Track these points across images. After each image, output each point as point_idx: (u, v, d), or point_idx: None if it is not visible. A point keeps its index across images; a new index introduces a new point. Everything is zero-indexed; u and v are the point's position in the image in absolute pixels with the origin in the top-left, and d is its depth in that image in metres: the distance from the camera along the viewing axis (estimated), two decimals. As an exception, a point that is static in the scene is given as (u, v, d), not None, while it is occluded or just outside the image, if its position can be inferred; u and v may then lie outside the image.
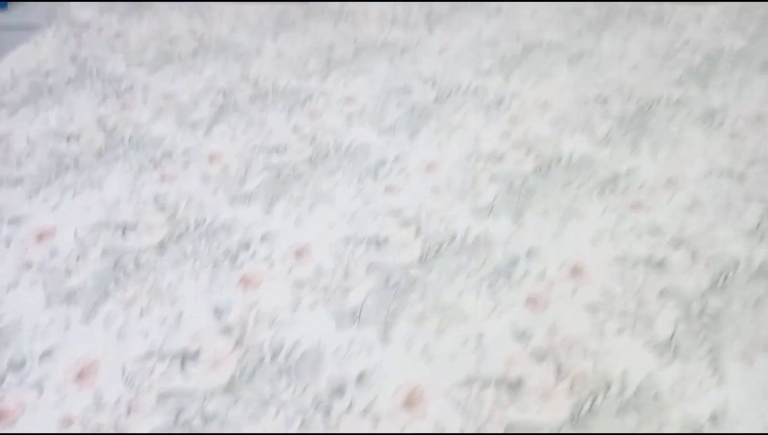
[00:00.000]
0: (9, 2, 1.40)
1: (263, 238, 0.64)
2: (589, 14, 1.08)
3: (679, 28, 1.02)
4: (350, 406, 0.48)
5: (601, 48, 0.98)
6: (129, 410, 0.47)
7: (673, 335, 0.53)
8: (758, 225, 0.66)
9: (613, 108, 0.84)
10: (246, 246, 0.63)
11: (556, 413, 0.47)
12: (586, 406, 0.48)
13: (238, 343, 0.52)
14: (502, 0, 1.04)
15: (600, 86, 0.89)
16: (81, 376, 0.50)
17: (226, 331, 0.53)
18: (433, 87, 0.91)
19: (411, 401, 0.48)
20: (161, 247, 0.63)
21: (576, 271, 0.59)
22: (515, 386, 0.49)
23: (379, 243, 0.64)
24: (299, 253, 0.62)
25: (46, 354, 0.52)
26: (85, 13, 1.13)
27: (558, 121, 0.81)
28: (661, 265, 0.61)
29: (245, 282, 0.59)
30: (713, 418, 0.47)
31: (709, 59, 0.93)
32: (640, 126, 0.80)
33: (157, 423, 0.47)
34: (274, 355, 0.51)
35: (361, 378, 0.50)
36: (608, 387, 0.49)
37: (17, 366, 0.51)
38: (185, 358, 0.51)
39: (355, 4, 1.17)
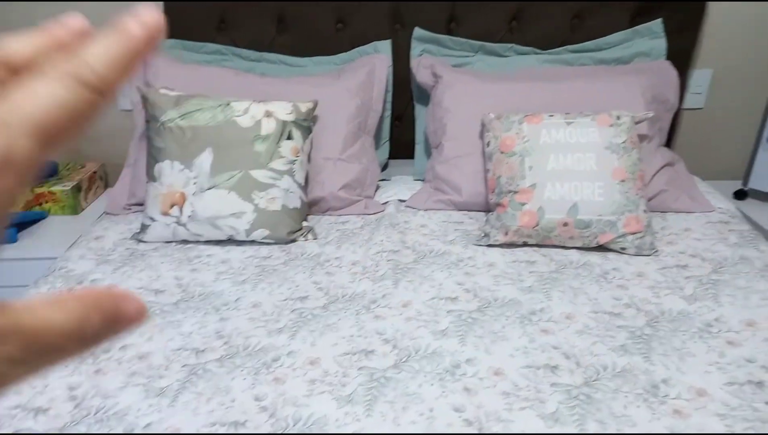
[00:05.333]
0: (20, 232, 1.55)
1: None
2: (541, 269, 1.18)
3: (622, 287, 1.11)
4: None
5: (551, 307, 1.05)
6: None
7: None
8: None
9: (561, 378, 0.88)
10: None
11: None
12: None
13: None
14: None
15: (549, 353, 0.94)
16: None
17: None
18: (393, 349, 0.96)
19: None
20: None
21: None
22: None
23: None
24: None
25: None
26: (82, 265, 1.23)
27: (509, 395, 0.85)
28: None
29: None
30: None
31: (651, 322, 0.99)
32: (587, 401, 0.83)
33: None
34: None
35: None
36: None
37: None
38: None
39: (330, 253, 1.28)
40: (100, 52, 0.17)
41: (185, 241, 1.34)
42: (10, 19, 1.68)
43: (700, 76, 1.68)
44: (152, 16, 0.18)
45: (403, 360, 0.93)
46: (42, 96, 0.17)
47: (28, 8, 1.66)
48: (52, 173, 1.71)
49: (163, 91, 1.37)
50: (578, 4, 1.56)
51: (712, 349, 0.93)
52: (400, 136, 1.72)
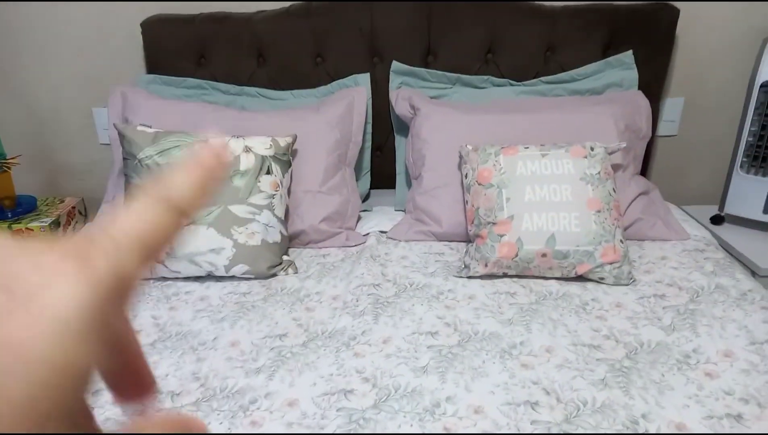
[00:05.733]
0: None
1: None
2: (521, 300, 1.18)
3: (601, 319, 1.11)
4: None
5: (530, 340, 1.05)
6: None
7: None
8: None
9: (542, 415, 0.88)
10: None
11: None
12: None
13: None
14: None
15: (529, 388, 0.93)
16: None
17: None
18: (372, 388, 0.95)
19: None
20: None
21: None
22: None
23: None
24: None
25: None
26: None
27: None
28: None
29: None
30: None
31: (630, 354, 0.99)
32: (568, 438, 0.82)
33: None
34: None
35: None
36: None
37: None
38: None
39: (310, 287, 1.27)
40: (185, 180, 0.20)
41: (164, 278, 1.32)
42: (10, 19, 1.67)
43: (672, 105, 1.72)
44: (221, 145, 0.21)
45: (383, 399, 0.92)
46: (144, 219, 0.19)
47: (29, 8, 1.65)
48: (30, 209, 1.69)
49: (140, 128, 1.37)
50: (551, 36, 1.59)
51: (691, 381, 0.94)
52: (382, 167, 1.73)
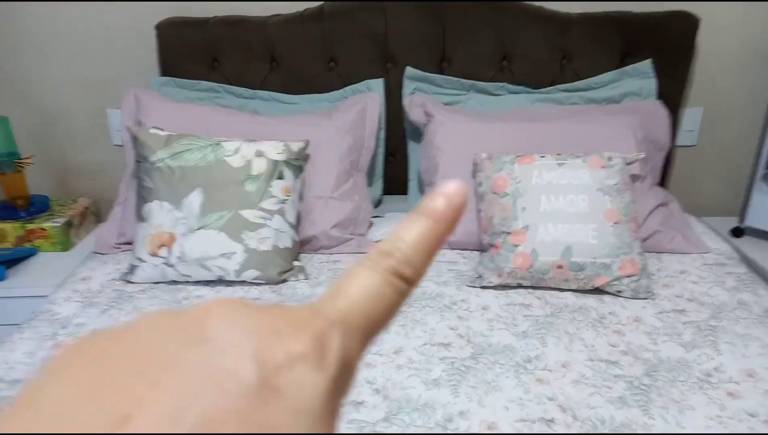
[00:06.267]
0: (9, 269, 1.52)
1: None
2: (536, 312, 1.16)
3: (618, 333, 1.08)
4: None
5: (546, 354, 1.03)
6: None
7: None
8: None
9: (558, 432, 0.85)
10: None
11: None
12: None
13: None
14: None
15: (544, 404, 0.91)
16: None
17: None
18: (383, 400, 0.93)
19: None
20: None
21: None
22: None
23: None
24: None
25: None
26: (67, 308, 1.20)
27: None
28: None
29: None
30: None
31: (649, 371, 0.97)
32: (585, 458, 0.80)
33: None
34: None
35: None
36: None
37: None
38: None
39: (321, 294, 1.25)
40: (414, 242, 0.18)
41: (174, 282, 1.31)
42: (28, 20, 1.68)
43: (691, 114, 1.69)
44: (458, 191, 0.19)
45: (394, 412, 0.90)
46: (371, 294, 0.17)
47: (45, 10, 1.66)
48: (43, 209, 1.69)
49: (153, 130, 1.36)
50: (566, 44, 1.57)
51: (712, 401, 0.91)
52: (394, 172, 1.71)
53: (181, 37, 1.62)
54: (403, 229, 0.18)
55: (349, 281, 0.18)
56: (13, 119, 1.63)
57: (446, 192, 0.19)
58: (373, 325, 0.17)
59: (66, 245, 1.63)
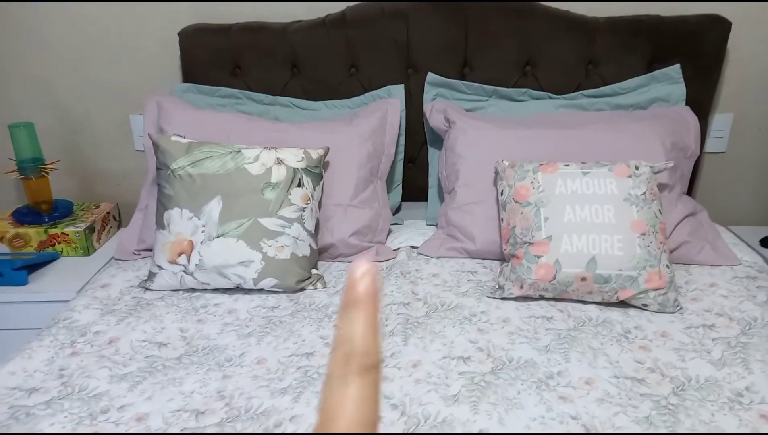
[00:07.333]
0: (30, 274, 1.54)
1: None
2: (559, 326, 1.13)
3: (644, 349, 1.05)
4: None
5: (569, 370, 1.00)
6: None
7: None
8: None
9: (581, 452, 0.82)
10: None
11: None
12: None
13: None
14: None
15: (567, 423, 0.88)
16: None
17: None
18: (401, 416, 0.91)
19: None
20: None
21: None
22: None
23: None
24: None
25: None
26: (86, 316, 1.21)
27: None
28: None
29: None
30: None
31: (677, 390, 0.93)
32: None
33: None
34: None
35: None
36: None
37: None
38: None
39: (339, 304, 1.24)
40: (363, 333, 0.19)
41: (192, 290, 1.32)
42: (53, 26, 1.70)
43: (720, 121, 1.64)
44: (371, 267, 0.20)
45: (411, 429, 0.88)
46: (359, 408, 0.18)
47: (54, 15, 1.68)
48: (66, 213, 1.72)
49: (174, 138, 1.37)
50: (592, 49, 1.53)
51: (744, 423, 0.87)
52: (414, 179, 1.70)
53: (204, 44, 1.63)
54: (347, 327, 0.19)
55: (334, 411, 0.18)
56: (38, 125, 1.66)
57: (363, 271, 0.20)
58: (372, 428, 0.18)
59: (87, 250, 1.65)
